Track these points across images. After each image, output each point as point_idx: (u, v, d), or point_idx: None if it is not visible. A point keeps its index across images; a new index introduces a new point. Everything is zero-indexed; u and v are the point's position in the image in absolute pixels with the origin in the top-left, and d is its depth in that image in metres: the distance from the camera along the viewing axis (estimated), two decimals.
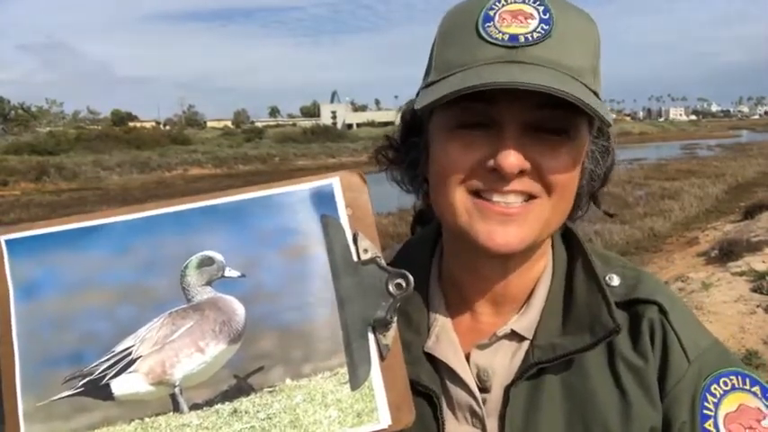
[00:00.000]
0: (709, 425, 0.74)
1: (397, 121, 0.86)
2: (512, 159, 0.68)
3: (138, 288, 0.66)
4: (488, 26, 0.70)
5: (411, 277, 0.67)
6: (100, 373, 0.64)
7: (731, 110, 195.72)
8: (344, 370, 0.65)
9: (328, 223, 0.67)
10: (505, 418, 0.76)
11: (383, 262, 0.68)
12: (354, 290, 0.66)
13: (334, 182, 0.68)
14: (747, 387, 0.76)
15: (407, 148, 0.84)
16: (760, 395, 0.76)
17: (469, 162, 0.71)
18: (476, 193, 0.72)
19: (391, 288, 0.67)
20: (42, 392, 0.65)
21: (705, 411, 0.75)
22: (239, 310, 0.65)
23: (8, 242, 0.68)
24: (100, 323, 0.65)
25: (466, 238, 0.73)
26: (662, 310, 0.77)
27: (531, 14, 0.70)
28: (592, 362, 0.77)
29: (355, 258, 0.67)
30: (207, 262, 0.66)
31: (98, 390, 0.64)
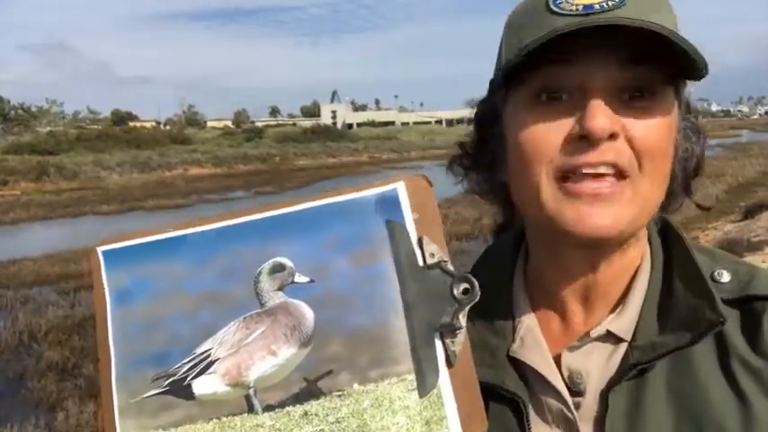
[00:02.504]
0: None
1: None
2: (601, 121, 0.63)
3: (217, 294, 0.69)
4: (559, 2, 0.66)
5: (476, 282, 0.64)
6: (183, 373, 0.68)
7: (731, 110, 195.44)
8: (412, 377, 0.64)
9: (394, 228, 0.67)
10: (605, 424, 0.70)
11: (449, 266, 0.66)
12: (420, 295, 0.65)
13: (398, 186, 0.68)
14: None
15: (483, 150, 0.79)
16: None
17: (553, 134, 0.66)
18: (563, 179, 0.67)
19: (456, 293, 0.65)
20: (134, 390, 0.69)
21: None
22: (309, 314, 0.67)
23: (104, 252, 0.73)
24: (184, 327, 0.69)
25: (553, 226, 0.68)
26: None
27: None
28: (700, 362, 0.70)
29: (421, 263, 0.66)
30: (278, 268, 0.68)
31: (181, 389, 0.68)
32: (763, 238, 9.91)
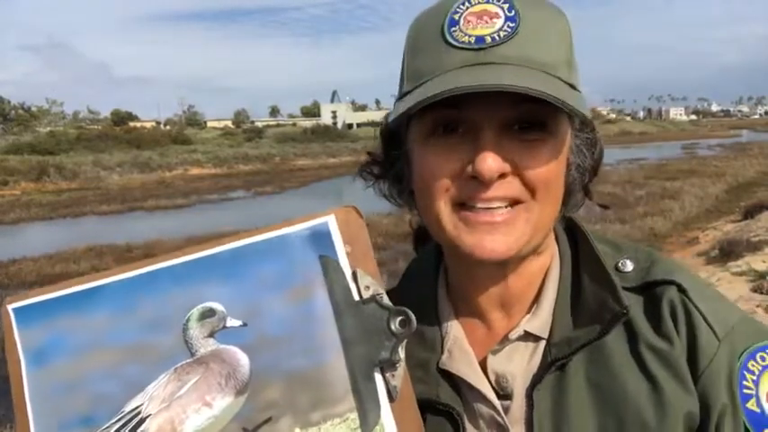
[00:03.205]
0: (751, 404, 0.70)
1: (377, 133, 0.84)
2: (489, 163, 0.66)
3: (143, 345, 0.65)
4: (454, 30, 0.69)
5: (412, 315, 0.66)
6: None
7: (731, 109, 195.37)
8: (355, 415, 0.63)
9: (327, 263, 0.66)
10: (533, 423, 0.73)
11: (385, 299, 0.66)
12: (358, 331, 0.65)
13: (329, 220, 0.67)
14: None
15: (390, 161, 0.82)
16: None
17: (448, 171, 0.69)
18: (461, 205, 0.70)
19: (394, 327, 0.65)
20: None
21: (745, 391, 0.70)
22: (243, 360, 0.64)
23: (15, 310, 0.69)
24: (109, 384, 0.65)
25: (455, 249, 0.72)
26: (681, 289, 0.74)
27: (497, 13, 0.69)
28: (613, 351, 0.73)
29: (356, 297, 0.65)
30: (208, 314, 0.65)
31: None
32: (763, 238, 9.89)
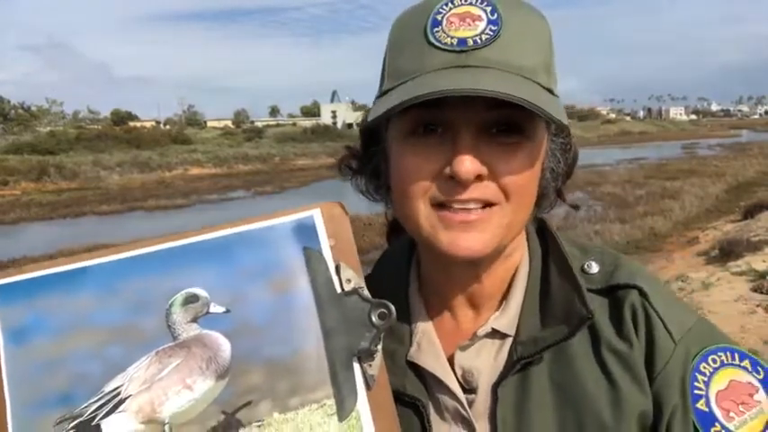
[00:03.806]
0: (701, 404, 0.73)
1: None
2: (467, 165, 0.68)
3: (126, 328, 0.66)
4: (437, 31, 0.70)
5: (393, 307, 0.68)
6: (90, 414, 0.64)
7: (731, 109, 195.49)
8: (331, 401, 0.65)
9: (310, 256, 0.67)
10: (497, 418, 0.75)
11: (366, 292, 0.68)
12: (338, 321, 0.67)
13: (315, 213, 0.69)
14: (737, 362, 0.76)
15: (368, 157, 0.83)
16: (750, 369, 0.75)
17: (427, 171, 0.71)
18: (438, 205, 0.72)
19: (374, 318, 0.67)
20: None
21: (696, 391, 0.74)
22: (225, 345, 0.65)
23: None
24: (89, 364, 0.65)
25: (431, 247, 0.73)
26: (642, 293, 0.77)
27: (479, 16, 0.69)
28: (577, 352, 0.76)
29: (338, 290, 0.67)
30: (192, 299, 0.66)
31: (89, 430, 0.64)
32: (763, 237, 9.90)
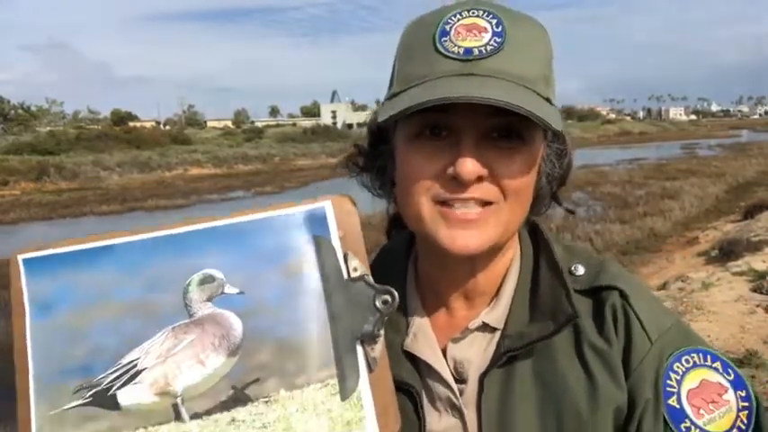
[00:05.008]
0: (672, 401, 0.78)
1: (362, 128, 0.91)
2: (469, 166, 0.72)
3: (144, 304, 0.69)
4: (445, 40, 0.74)
5: (396, 293, 0.72)
6: (107, 384, 0.68)
7: (731, 109, 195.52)
8: (335, 381, 0.68)
9: (321, 243, 0.71)
10: (481, 407, 0.80)
11: (371, 279, 0.72)
12: (344, 306, 0.70)
13: (326, 205, 0.72)
14: (709, 363, 0.80)
15: (375, 155, 0.89)
16: (721, 370, 0.80)
17: (431, 171, 0.75)
18: (440, 202, 0.76)
19: (378, 304, 0.71)
20: (54, 402, 0.68)
21: (668, 389, 0.78)
22: (237, 324, 0.68)
23: (25, 261, 0.72)
24: (108, 337, 0.69)
25: (432, 242, 0.78)
26: (623, 295, 0.82)
27: (485, 28, 0.74)
28: (560, 348, 0.81)
29: (345, 276, 0.71)
30: (208, 279, 0.69)
31: (105, 400, 0.68)
32: (763, 237, 9.89)
